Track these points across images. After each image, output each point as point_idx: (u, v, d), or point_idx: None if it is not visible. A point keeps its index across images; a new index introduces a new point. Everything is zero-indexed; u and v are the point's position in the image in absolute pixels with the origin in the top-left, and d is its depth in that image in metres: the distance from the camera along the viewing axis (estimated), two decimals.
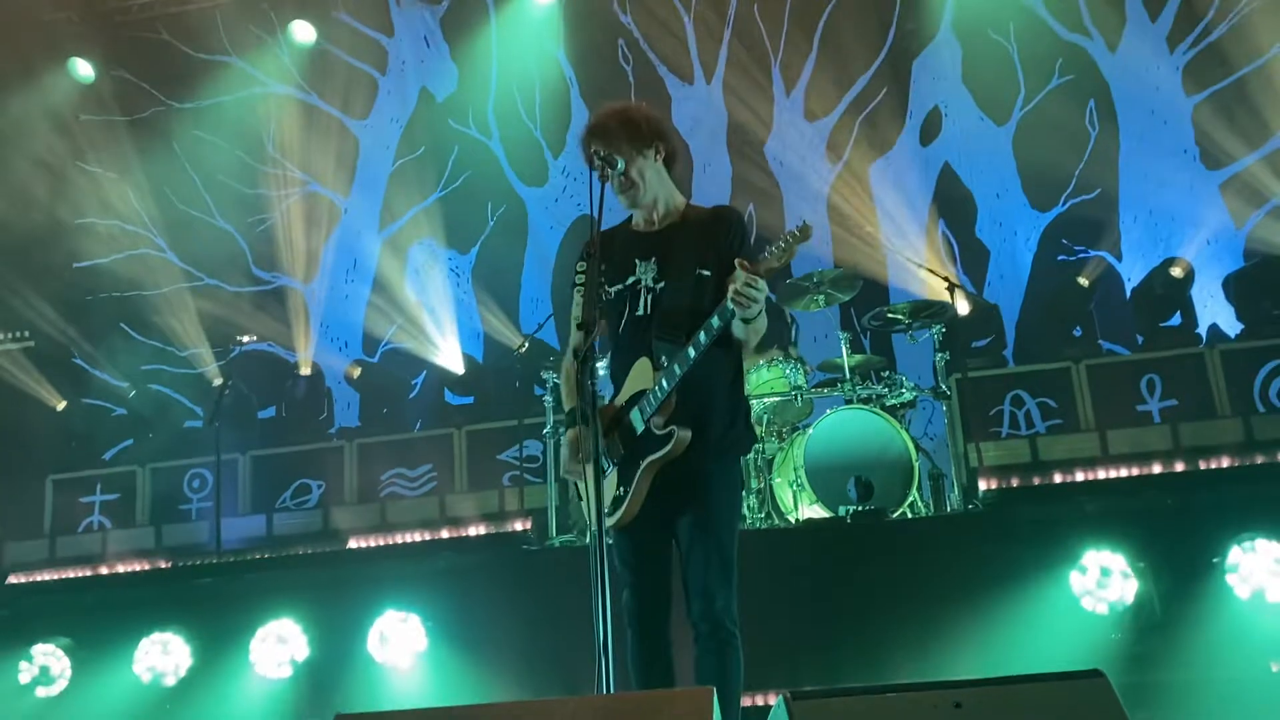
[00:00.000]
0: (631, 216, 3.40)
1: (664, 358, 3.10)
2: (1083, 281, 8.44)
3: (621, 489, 3.15)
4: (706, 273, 3.14)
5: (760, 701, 4.46)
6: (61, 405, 9.65)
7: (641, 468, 3.09)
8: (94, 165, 10.45)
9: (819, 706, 2.04)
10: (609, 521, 3.16)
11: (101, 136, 10.46)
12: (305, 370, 9.90)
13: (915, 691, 2.05)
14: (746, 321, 2.98)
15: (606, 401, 3.28)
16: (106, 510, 8.36)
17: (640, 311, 3.19)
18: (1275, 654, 4.90)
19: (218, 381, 9.46)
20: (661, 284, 3.20)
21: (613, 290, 3.24)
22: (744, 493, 6.28)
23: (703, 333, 3.02)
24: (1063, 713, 2.02)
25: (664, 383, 3.07)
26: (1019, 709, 2.01)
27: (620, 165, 3.19)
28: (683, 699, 1.99)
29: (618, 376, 3.30)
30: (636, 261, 3.25)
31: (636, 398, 3.18)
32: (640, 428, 3.13)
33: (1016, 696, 2.03)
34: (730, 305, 2.92)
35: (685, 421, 3.08)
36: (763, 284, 2.89)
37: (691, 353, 3.03)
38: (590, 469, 2.79)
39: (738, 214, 3.33)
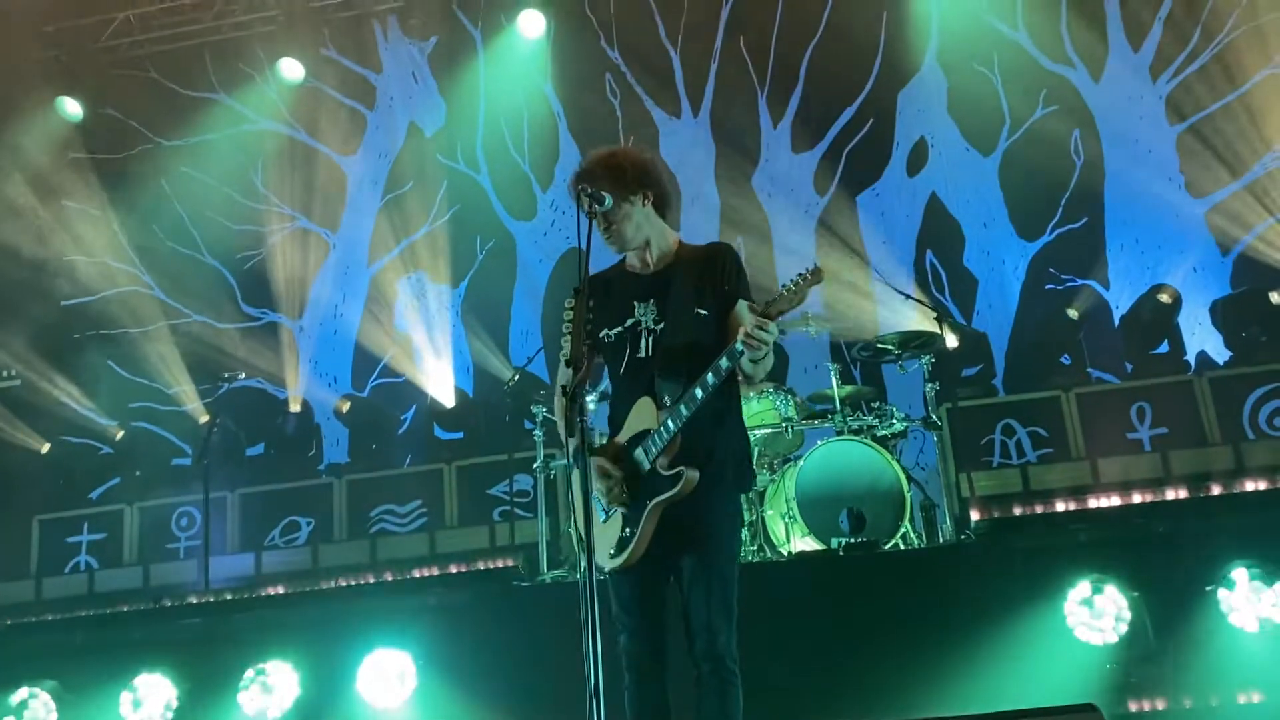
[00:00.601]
0: (625, 259, 3.41)
1: (667, 397, 3.12)
2: (1072, 314, 8.46)
3: (628, 530, 3.15)
4: (705, 312, 3.18)
5: None
6: (45, 448, 9.59)
7: (648, 508, 3.09)
8: (81, 203, 10.44)
9: None
10: (615, 563, 3.16)
11: (89, 174, 10.46)
12: (295, 407, 9.86)
13: None
14: (754, 363, 3.03)
15: (604, 441, 3.30)
16: (93, 550, 8.29)
17: (641, 353, 3.21)
18: (1267, 681, 4.88)
19: (205, 419, 9.41)
20: (661, 325, 3.22)
21: (613, 333, 3.27)
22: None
23: (710, 374, 3.05)
24: None
25: (670, 423, 3.08)
26: None
27: (607, 203, 3.19)
28: None
29: (618, 418, 3.31)
30: (635, 304, 3.26)
31: (639, 437, 3.18)
32: (646, 467, 3.13)
33: None
34: (740, 347, 2.96)
35: (691, 461, 3.09)
36: (773, 326, 2.93)
37: (699, 393, 3.06)
38: (581, 507, 2.76)
39: (731, 250, 3.34)
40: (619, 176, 3.22)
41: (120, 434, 9.81)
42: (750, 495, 6.48)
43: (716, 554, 3.13)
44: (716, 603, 3.06)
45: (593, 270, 3.18)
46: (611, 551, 3.17)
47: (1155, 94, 9.13)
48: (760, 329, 2.91)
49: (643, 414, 3.17)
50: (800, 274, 3.01)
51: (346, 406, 9.51)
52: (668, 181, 3.39)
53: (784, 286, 3.01)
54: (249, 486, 8.47)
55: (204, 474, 7.55)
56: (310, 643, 6.03)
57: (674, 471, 3.06)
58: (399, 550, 7.80)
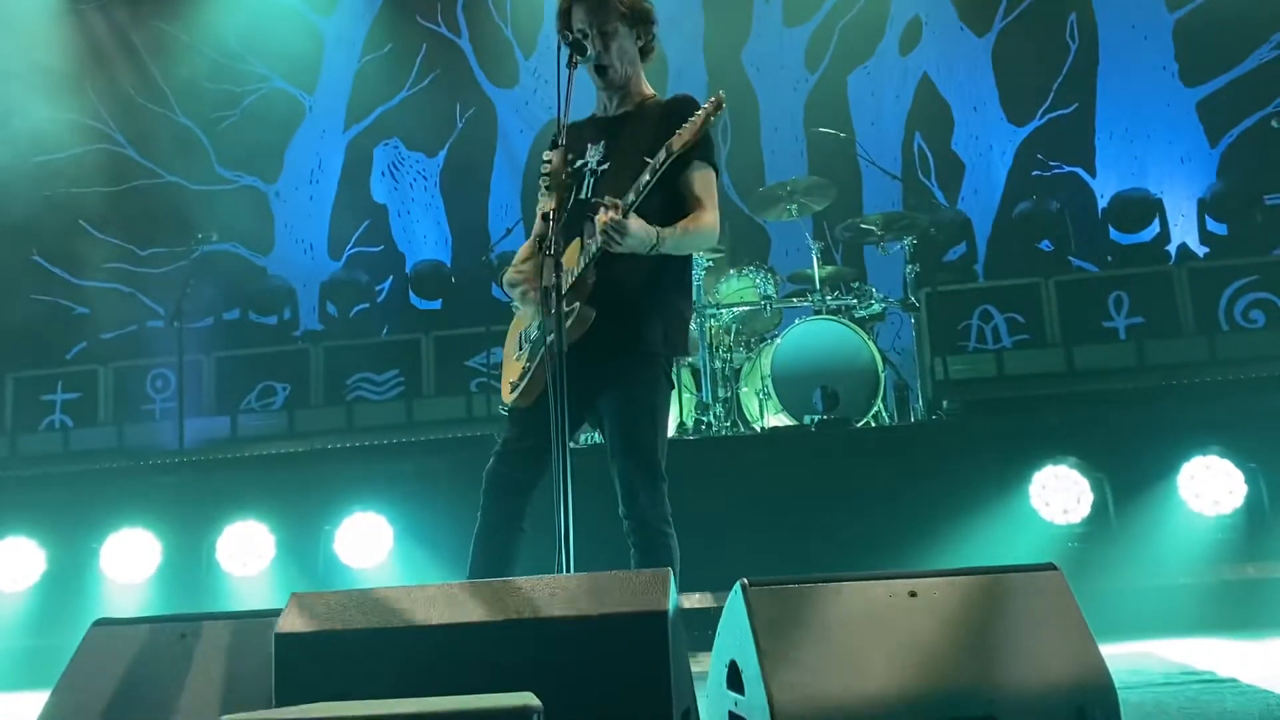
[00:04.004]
0: (594, 110, 3.34)
1: (588, 239, 3.00)
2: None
3: (528, 363, 3.10)
4: (650, 159, 2.98)
5: (724, 603, 4.53)
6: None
7: (544, 349, 2.86)
8: (51, 57, 10.08)
9: (775, 593, 2.06)
10: (512, 397, 3.12)
11: (59, 26, 10.08)
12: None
13: (871, 580, 2.07)
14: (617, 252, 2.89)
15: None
16: (68, 409, 8.28)
17: (583, 194, 3.11)
18: (1218, 562, 5.04)
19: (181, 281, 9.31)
20: (605, 166, 3.14)
21: (564, 173, 3.06)
22: (710, 403, 6.31)
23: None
24: (1016, 602, 2.05)
25: (582, 261, 2.98)
26: (973, 598, 2.04)
27: (592, 54, 3.10)
28: (640, 578, 1.99)
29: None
30: (588, 145, 3.20)
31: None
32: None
33: (971, 587, 2.06)
34: (599, 241, 2.87)
35: (598, 306, 2.96)
36: (629, 225, 2.83)
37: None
38: (552, 357, 2.63)
39: (691, 101, 3.15)
40: (631, 4, 3.16)
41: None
42: (726, 372, 6.52)
43: (631, 413, 3.01)
44: (634, 463, 2.97)
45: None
46: (513, 382, 3.13)
47: None
48: (615, 228, 2.82)
49: (570, 254, 3.03)
50: (702, 108, 2.93)
51: None
52: (655, 32, 3.29)
53: (684, 124, 2.91)
54: (225, 350, 8.44)
55: (179, 336, 7.50)
56: (287, 504, 6.09)
57: (571, 307, 2.90)
58: (376, 417, 7.85)
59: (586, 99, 3.36)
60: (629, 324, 3.03)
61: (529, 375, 3.06)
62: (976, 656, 1.97)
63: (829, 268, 6.90)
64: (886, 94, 9.29)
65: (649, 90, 3.30)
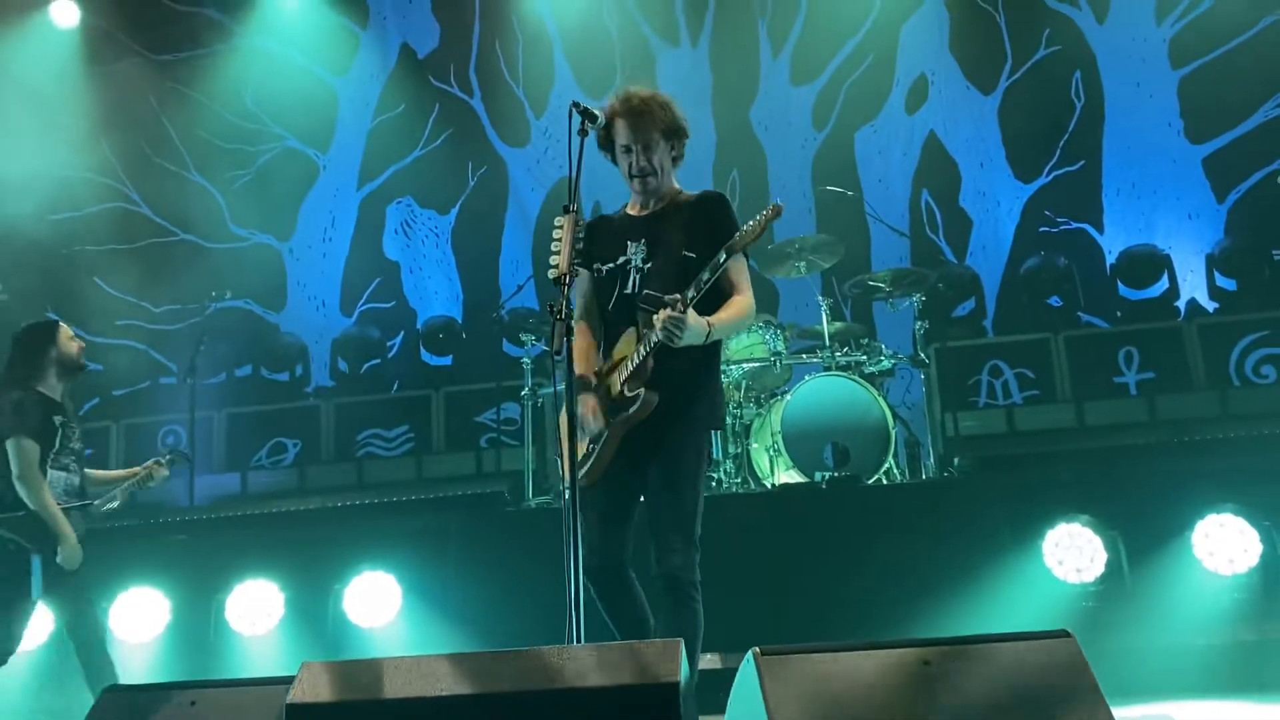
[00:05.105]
0: (627, 204, 3.61)
1: (646, 330, 3.29)
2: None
3: (592, 445, 3.35)
4: (693, 254, 3.34)
5: (734, 664, 4.49)
6: None
7: (610, 426, 3.31)
8: (69, 115, 10.25)
9: (787, 662, 2.04)
10: (580, 480, 3.26)
11: (77, 87, 10.26)
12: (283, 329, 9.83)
13: (884, 649, 2.05)
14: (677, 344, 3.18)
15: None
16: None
17: (629, 289, 3.41)
18: (1234, 621, 4.98)
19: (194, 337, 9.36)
20: (649, 264, 3.41)
21: (604, 269, 3.48)
22: (720, 460, 6.32)
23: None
24: (1030, 671, 2.03)
25: (642, 350, 3.27)
26: (987, 667, 2.02)
27: (600, 120, 3.33)
28: (652, 649, 1.98)
29: (607, 351, 3.50)
30: (628, 243, 3.46)
31: (617, 365, 3.40)
32: (615, 390, 3.35)
33: (984, 655, 2.04)
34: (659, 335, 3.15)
35: (656, 388, 3.28)
36: (687, 320, 3.12)
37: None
38: (565, 422, 2.81)
39: (723, 198, 3.51)
40: (671, 120, 3.45)
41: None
42: (736, 428, 6.52)
43: (678, 479, 3.29)
44: (672, 524, 3.21)
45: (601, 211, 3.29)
46: (581, 469, 3.37)
47: (1159, 37, 9.01)
48: (674, 323, 3.10)
49: (625, 345, 3.38)
50: (762, 213, 3.18)
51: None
52: None
53: (745, 226, 3.18)
54: (236, 406, 8.47)
55: (191, 393, 7.54)
56: (297, 562, 6.08)
57: (635, 393, 3.25)
58: (386, 474, 7.84)
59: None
60: (681, 402, 3.34)
61: (594, 457, 3.34)
62: None
63: (838, 324, 6.92)
64: (894, 151, 9.37)
65: (677, 187, 3.58)
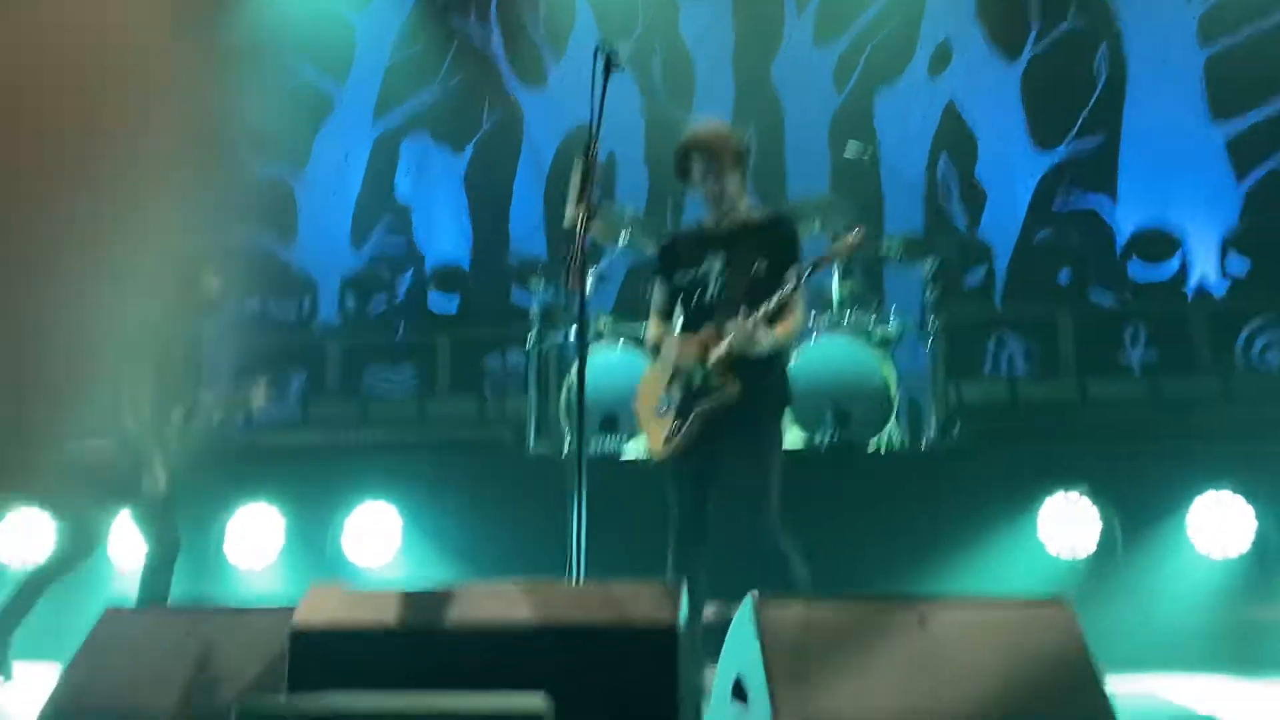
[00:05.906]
0: (702, 219, 4.12)
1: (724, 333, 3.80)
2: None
3: (678, 424, 3.85)
4: (763, 269, 3.87)
5: (729, 615, 4.54)
6: None
7: (695, 412, 3.79)
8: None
9: (786, 609, 2.07)
10: (664, 453, 3.88)
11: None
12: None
13: (881, 602, 2.09)
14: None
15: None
16: None
17: (709, 297, 3.92)
18: (1226, 599, 5.04)
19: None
20: (725, 276, 3.91)
21: (686, 277, 4.00)
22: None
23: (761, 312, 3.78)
24: (1024, 634, 2.06)
25: (724, 348, 3.76)
26: (981, 628, 2.05)
27: (621, 67, 3.43)
28: (654, 590, 2.01)
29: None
30: (708, 254, 3.97)
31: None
32: (699, 380, 3.82)
33: (979, 616, 2.07)
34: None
35: (741, 377, 3.76)
36: (759, 334, 3.70)
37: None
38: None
39: (790, 221, 4.11)
40: (736, 149, 3.99)
41: None
42: None
43: (757, 453, 3.79)
44: (753, 491, 3.72)
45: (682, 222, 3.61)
46: (663, 441, 3.89)
47: (1190, 13, 8.89)
48: (748, 339, 3.69)
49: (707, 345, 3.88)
50: (847, 236, 3.90)
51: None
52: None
53: (834, 246, 4.04)
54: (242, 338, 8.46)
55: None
56: (297, 492, 6.13)
57: (720, 382, 3.77)
58: (389, 413, 7.88)
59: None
60: (759, 388, 3.82)
61: (681, 432, 3.82)
62: (982, 687, 1.98)
63: (848, 283, 6.89)
64: (913, 115, 9.29)
65: (745, 206, 4.08)
